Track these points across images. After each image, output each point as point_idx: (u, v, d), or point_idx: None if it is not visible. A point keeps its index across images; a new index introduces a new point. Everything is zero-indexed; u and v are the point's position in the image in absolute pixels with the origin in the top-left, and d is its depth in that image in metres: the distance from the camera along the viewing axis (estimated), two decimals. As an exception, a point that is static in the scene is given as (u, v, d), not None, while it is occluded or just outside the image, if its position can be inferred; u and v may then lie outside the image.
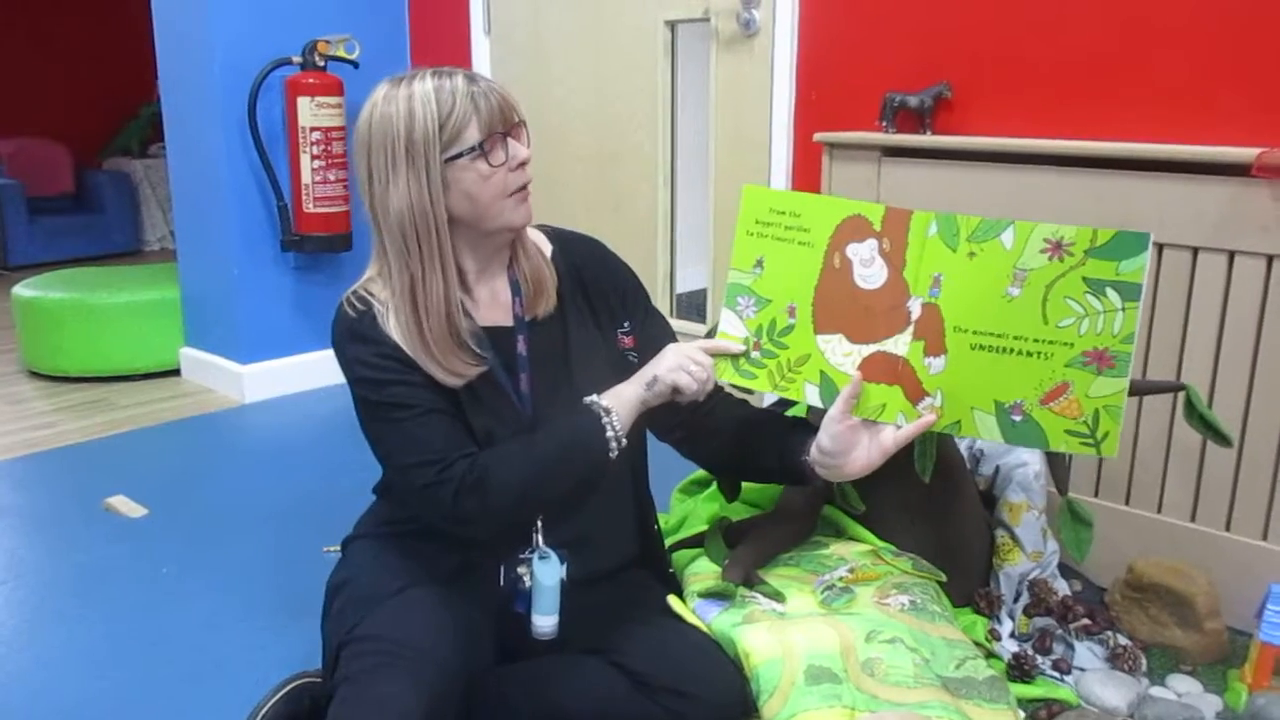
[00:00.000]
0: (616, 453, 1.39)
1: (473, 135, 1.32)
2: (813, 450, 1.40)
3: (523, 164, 1.37)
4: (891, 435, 1.35)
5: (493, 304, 1.45)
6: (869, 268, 1.38)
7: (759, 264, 1.44)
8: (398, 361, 1.35)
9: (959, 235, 1.33)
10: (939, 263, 1.34)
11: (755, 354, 1.44)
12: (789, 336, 1.42)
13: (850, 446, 1.36)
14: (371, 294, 1.39)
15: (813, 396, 1.40)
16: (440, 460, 1.33)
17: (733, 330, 1.46)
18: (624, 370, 1.47)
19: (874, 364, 1.37)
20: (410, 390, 1.35)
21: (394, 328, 1.36)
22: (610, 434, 1.37)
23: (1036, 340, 1.28)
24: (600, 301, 1.52)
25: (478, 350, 1.39)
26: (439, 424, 1.35)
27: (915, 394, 1.35)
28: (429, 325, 1.35)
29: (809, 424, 1.46)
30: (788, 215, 1.43)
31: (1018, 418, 1.29)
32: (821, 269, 1.40)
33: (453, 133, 1.31)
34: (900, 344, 1.36)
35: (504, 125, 1.35)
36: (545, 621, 1.41)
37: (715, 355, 1.45)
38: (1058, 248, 1.28)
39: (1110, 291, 1.25)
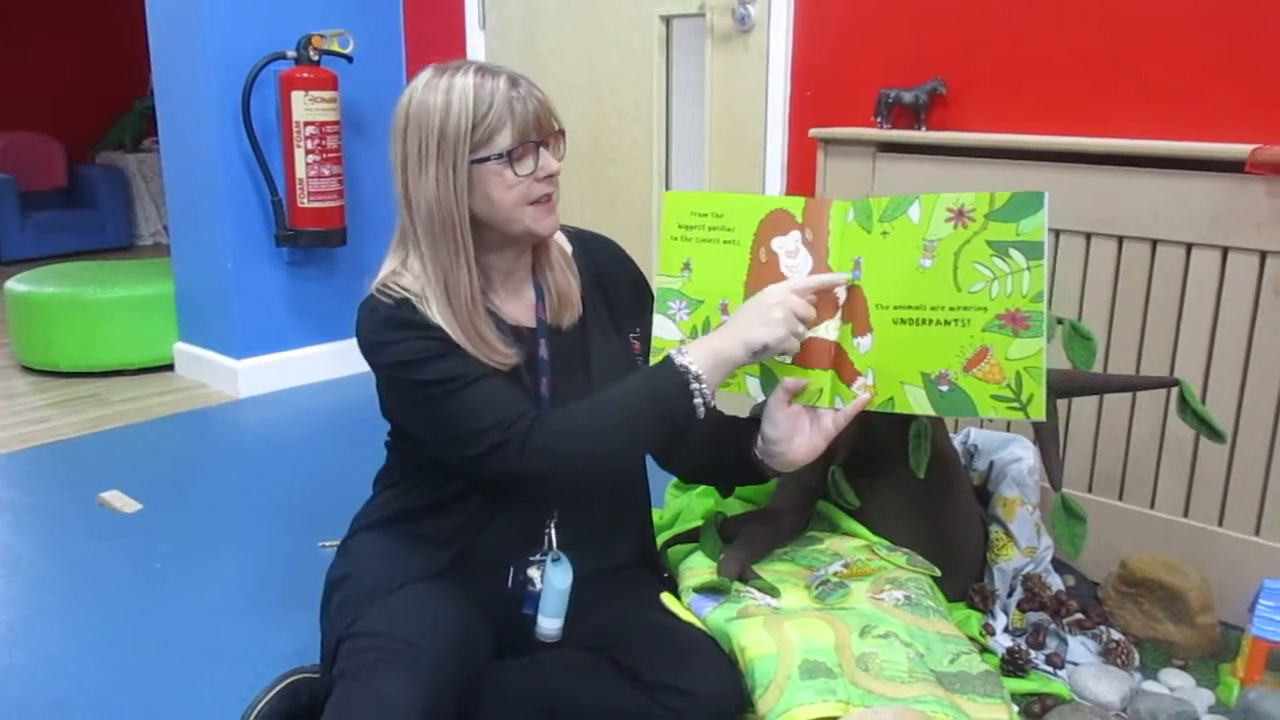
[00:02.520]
0: (703, 413, 1.33)
1: (504, 141, 1.31)
2: (758, 441, 1.40)
3: (550, 175, 1.36)
4: (831, 418, 1.37)
5: (517, 305, 1.44)
6: (794, 259, 1.42)
7: (687, 267, 1.46)
8: (443, 341, 1.32)
9: (872, 217, 1.37)
10: (858, 246, 1.38)
11: None
12: None
13: (793, 433, 1.38)
14: (403, 287, 1.35)
15: (755, 389, 1.44)
16: (502, 421, 1.29)
17: (667, 334, 1.48)
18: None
19: (809, 351, 1.40)
20: (460, 362, 1.32)
21: (437, 314, 1.33)
22: (698, 400, 1.31)
23: (952, 308, 1.32)
24: (618, 304, 1.52)
25: (509, 344, 1.38)
26: (495, 386, 1.32)
27: (849, 376, 1.38)
28: (459, 320, 1.33)
29: (759, 421, 1.47)
30: (710, 216, 1.45)
31: (945, 387, 1.32)
32: (749, 264, 1.43)
33: (484, 135, 1.30)
34: (831, 329, 1.39)
35: (539, 134, 1.33)
36: (551, 624, 1.42)
37: (653, 358, 1.44)
38: (960, 215, 1.31)
39: (1014, 252, 1.28)
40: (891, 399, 1.36)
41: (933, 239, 1.33)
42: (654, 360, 1.45)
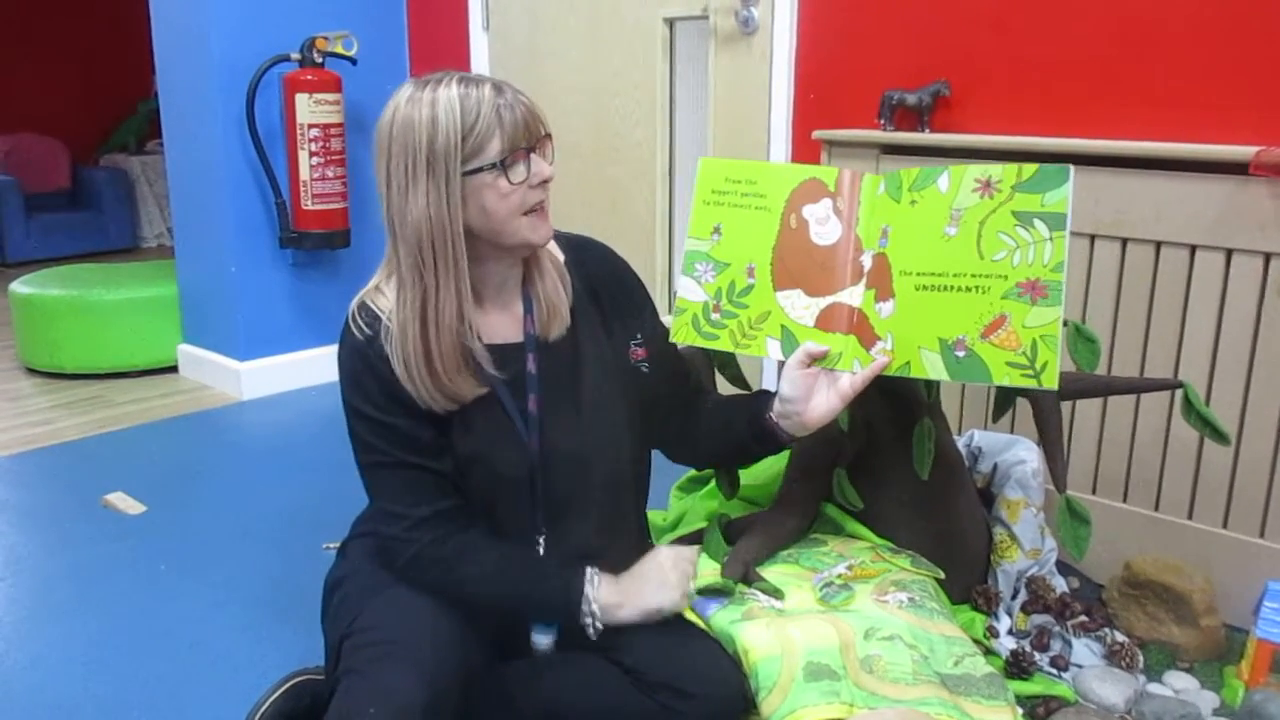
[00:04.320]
0: (594, 635, 1.38)
1: (495, 150, 1.29)
2: (775, 404, 1.41)
3: (544, 181, 1.35)
4: (849, 381, 1.38)
5: (504, 320, 1.42)
6: (824, 225, 1.45)
7: (716, 231, 1.50)
8: (390, 398, 1.33)
9: (902, 188, 1.41)
10: (887, 216, 1.41)
11: (716, 316, 1.49)
12: (748, 296, 1.48)
13: (809, 393, 1.39)
14: (378, 307, 1.35)
15: (775, 351, 1.46)
16: (406, 516, 1.34)
17: (691, 295, 1.51)
18: (634, 383, 1.47)
19: (831, 315, 1.43)
20: (395, 438, 1.34)
21: (395, 347, 1.32)
22: (589, 624, 1.36)
23: (974, 275, 1.34)
24: (613, 312, 1.50)
25: (487, 370, 1.37)
26: (409, 480, 1.36)
27: (869, 340, 1.40)
28: (438, 343, 1.31)
29: (772, 392, 1.48)
30: (744, 183, 1.50)
31: (961, 353, 1.34)
32: (779, 230, 1.47)
33: (474, 146, 1.28)
34: (855, 295, 1.42)
35: (528, 140, 1.31)
36: (544, 639, 1.42)
37: (676, 318, 1.47)
38: (987, 185, 1.35)
39: (1038, 223, 1.31)
40: (908, 363, 1.38)
41: (959, 208, 1.36)
42: (675, 320, 1.48)
